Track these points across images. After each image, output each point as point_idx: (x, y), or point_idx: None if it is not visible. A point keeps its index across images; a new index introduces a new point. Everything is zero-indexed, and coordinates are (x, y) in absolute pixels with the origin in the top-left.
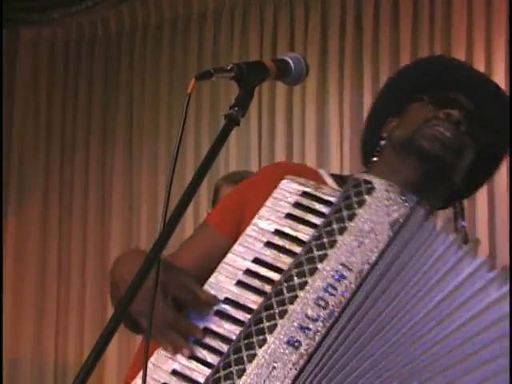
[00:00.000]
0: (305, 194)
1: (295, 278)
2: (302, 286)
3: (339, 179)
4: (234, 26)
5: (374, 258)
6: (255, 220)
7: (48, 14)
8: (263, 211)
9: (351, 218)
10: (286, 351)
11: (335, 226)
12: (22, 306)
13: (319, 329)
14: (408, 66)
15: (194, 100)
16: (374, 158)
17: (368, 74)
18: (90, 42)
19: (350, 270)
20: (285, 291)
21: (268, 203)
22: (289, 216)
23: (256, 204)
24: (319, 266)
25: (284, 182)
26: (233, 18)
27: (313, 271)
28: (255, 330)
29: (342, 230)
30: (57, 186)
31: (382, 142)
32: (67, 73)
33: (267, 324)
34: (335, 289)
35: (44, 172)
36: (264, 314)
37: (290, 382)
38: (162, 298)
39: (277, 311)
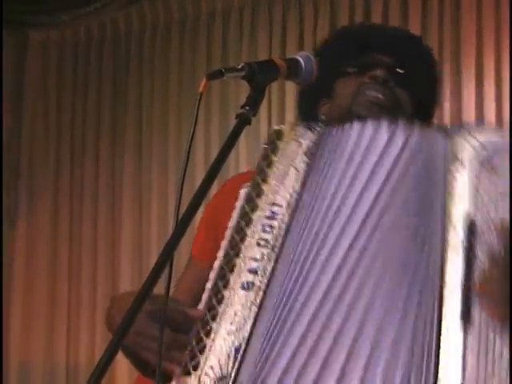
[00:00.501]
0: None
1: (235, 236)
2: (243, 238)
3: None
4: (243, 26)
5: (297, 187)
6: (227, 232)
7: (57, 16)
8: (230, 223)
9: (269, 165)
10: (241, 295)
11: (258, 179)
12: (33, 308)
13: (266, 264)
14: (326, 41)
15: (204, 100)
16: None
17: None
18: (99, 43)
19: (279, 205)
20: (230, 252)
21: (233, 214)
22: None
23: (225, 223)
24: (252, 216)
25: (241, 191)
26: (242, 17)
27: (248, 222)
28: (213, 292)
29: (264, 180)
30: (67, 188)
31: (321, 120)
32: (76, 74)
33: (221, 283)
34: (271, 226)
35: (54, 174)
36: (218, 275)
37: (251, 319)
38: (156, 327)
39: (226, 268)
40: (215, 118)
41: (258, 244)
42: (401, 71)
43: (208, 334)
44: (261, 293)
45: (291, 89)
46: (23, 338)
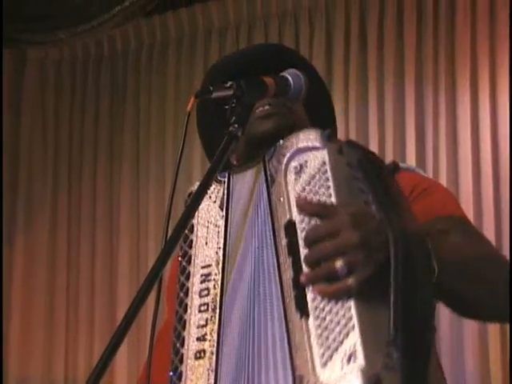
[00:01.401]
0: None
1: (179, 309)
2: (185, 309)
3: None
4: (240, 42)
5: (221, 242)
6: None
7: (54, 34)
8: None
9: (191, 230)
10: (197, 365)
11: (185, 247)
12: (31, 323)
13: (212, 327)
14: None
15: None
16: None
17: (373, 88)
18: (97, 60)
19: (208, 266)
20: (177, 326)
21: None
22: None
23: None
24: (188, 284)
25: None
26: (238, 34)
27: (186, 292)
28: (172, 368)
29: (190, 244)
30: (65, 204)
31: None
32: (74, 91)
33: (176, 359)
34: (207, 289)
35: (52, 190)
36: (173, 352)
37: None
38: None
39: (178, 343)
40: None
41: (200, 310)
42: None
43: None
44: (214, 357)
45: None
46: (21, 355)
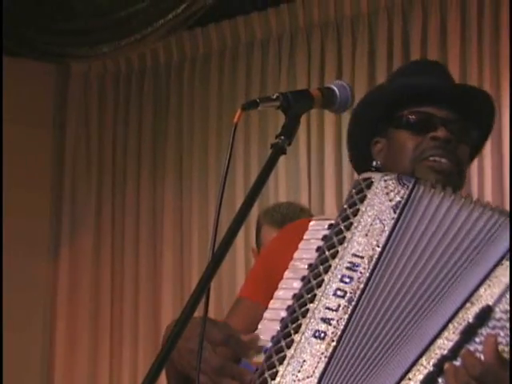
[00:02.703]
0: (331, 226)
1: (312, 280)
2: (319, 284)
3: None
4: (282, 55)
5: (382, 241)
6: (291, 263)
7: (98, 48)
8: (297, 254)
9: (355, 213)
10: (313, 343)
11: (342, 225)
12: (76, 335)
13: (341, 316)
14: (383, 83)
15: (243, 128)
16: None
17: None
18: (140, 73)
19: (361, 257)
20: (304, 294)
21: (300, 245)
22: (319, 249)
23: (283, 266)
24: (332, 262)
25: (312, 223)
26: (280, 46)
27: (327, 269)
28: (282, 334)
29: (348, 227)
30: (109, 216)
31: (375, 164)
32: (117, 104)
33: (292, 326)
34: (351, 278)
35: (96, 201)
36: (288, 318)
37: (320, 370)
38: (209, 348)
39: (299, 312)
40: (254, 146)
41: (335, 294)
42: (462, 126)
43: (274, 377)
44: (333, 344)
45: (330, 118)
46: (67, 365)
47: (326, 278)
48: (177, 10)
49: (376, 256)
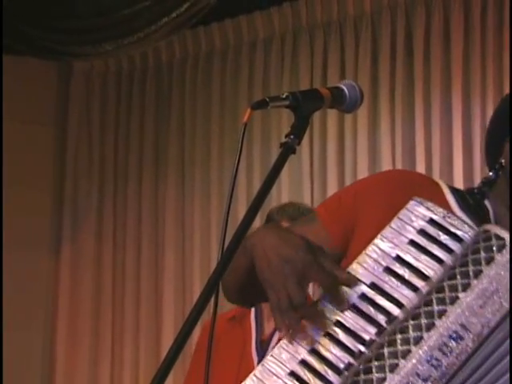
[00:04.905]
0: (431, 222)
1: (411, 331)
2: (417, 340)
3: (458, 196)
4: (285, 53)
5: (494, 322)
6: (377, 240)
7: (100, 46)
8: (386, 232)
9: (477, 275)
10: None
11: (459, 282)
12: (77, 334)
13: None
14: None
15: (246, 130)
16: (491, 173)
17: (419, 99)
18: (142, 72)
19: (468, 331)
20: (398, 342)
21: (393, 224)
22: (412, 243)
23: (371, 213)
24: (437, 322)
25: (412, 203)
26: (283, 45)
27: (430, 327)
28: (363, 380)
29: (465, 287)
30: (110, 215)
31: (503, 161)
32: (119, 102)
33: (376, 376)
34: (450, 349)
35: (97, 201)
36: (375, 363)
37: None
38: (297, 280)
39: (387, 364)
40: (257, 146)
41: (429, 361)
42: None
43: None
44: None
45: (333, 118)
46: (68, 365)
47: (425, 336)
48: (180, 8)
49: (483, 336)
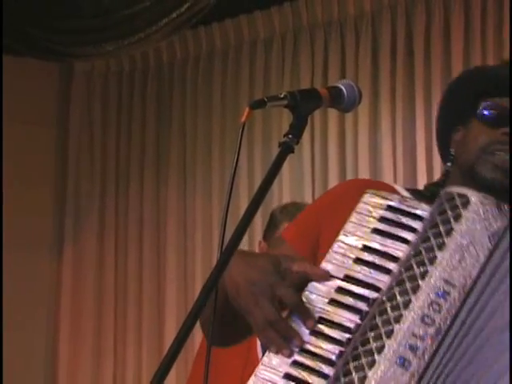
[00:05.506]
0: (390, 208)
1: (398, 296)
2: (406, 304)
3: (415, 193)
4: (285, 53)
5: (475, 273)
6: (341, 236)
7: (101, 46)
8: (348, 227)
9: (449, 232)
10: (397, 372)
11: (433, 242)
12: (80, 334)
13: (427, 347)
14: (472, 69)
15: (247, 129)
16: (449, 163)
17: (420, 98)
18: (143, 72)
19: (452, 285)
20: (389, 310)
21: (352, 218)
22: (375, 231)
23: (334, 221)
24: (421, 283)
25: (366, 195)
26: (284, 44)
27: (415, 289)
28: (363, 351)
29: (440, 246)
30: (112, 215)
31: (452, 150)
32: (120, 103)
33: (374, 345)
34: (440, 305)
35: (99, 201)
36: (370, 334)
37: None
38: (268, 299)
39: (383, 331)
40: (258, 146)
41: (423, 320)
42: None
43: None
44: (416, 377)
45: (334, 118)
46: (70, 365)
47: (413, 298)
48: (180, 8)
49: (467, 288)
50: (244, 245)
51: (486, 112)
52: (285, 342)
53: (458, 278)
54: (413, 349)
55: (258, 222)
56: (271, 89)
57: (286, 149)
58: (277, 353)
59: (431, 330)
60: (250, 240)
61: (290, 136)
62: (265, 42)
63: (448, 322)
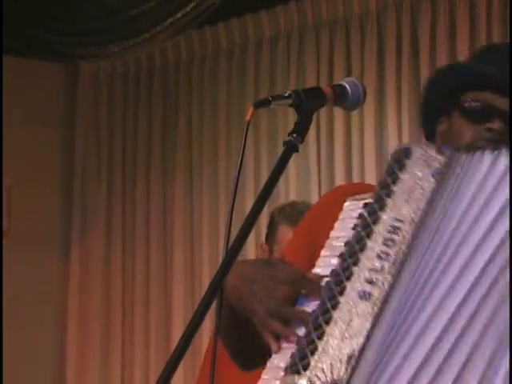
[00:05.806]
0: (366, 205)
1: (355, 244)
2: (362, 248)
3: None
4: (291, 51)
5: (422, 205)
6: (327, 242)
7: (107, 47)
8: (333, 233)
9: (395, 181)
10: (359, 303)
11: (382, 193)
12: (87, 335)
13: (386, 276)
14: (455, 63)
15: (253, 127)
16: None
17: None
18: (148, 73)
19: (402, 221)
20: (347, 258)
21: (336, 225)
22: (356, 227)
23: (325, 235)
24: (374, 228)
25: (346, 204)
26: (289, 43)
27: (369, 233)
28: (328, 295)
29: (389, 194)
30: (119, 214)
31: (437, 142)
32: (127, 104)
33: (336, 289)
34: (393, 240)
35: (106, 201)
36: (333, 281)
37: (367, 329)
38: (268, 292)
39: (344, 275)
40: (264, 144)
41: (379, 256)
42: None
43: (320, 337)
44: (378, 304)
45: (340, 116)
46: (78, 366)
47: (368, 242)
48: (185, 8)
49: (416, 219)
50: (250, 244)
51: (467, 106)
52: (288, 327)
53: (405, 214)
54: (371, 282)
55: (264, 221)
56: (277, 88)
57: (291, 147)
58: (276, 348)
59: (387, 263)
60: (256, 239)
61: (295, 135)
62: (270, 41)
63: (402, 253)
